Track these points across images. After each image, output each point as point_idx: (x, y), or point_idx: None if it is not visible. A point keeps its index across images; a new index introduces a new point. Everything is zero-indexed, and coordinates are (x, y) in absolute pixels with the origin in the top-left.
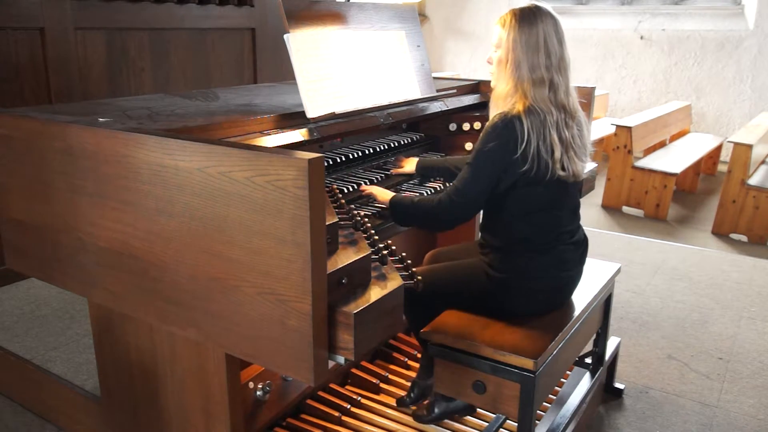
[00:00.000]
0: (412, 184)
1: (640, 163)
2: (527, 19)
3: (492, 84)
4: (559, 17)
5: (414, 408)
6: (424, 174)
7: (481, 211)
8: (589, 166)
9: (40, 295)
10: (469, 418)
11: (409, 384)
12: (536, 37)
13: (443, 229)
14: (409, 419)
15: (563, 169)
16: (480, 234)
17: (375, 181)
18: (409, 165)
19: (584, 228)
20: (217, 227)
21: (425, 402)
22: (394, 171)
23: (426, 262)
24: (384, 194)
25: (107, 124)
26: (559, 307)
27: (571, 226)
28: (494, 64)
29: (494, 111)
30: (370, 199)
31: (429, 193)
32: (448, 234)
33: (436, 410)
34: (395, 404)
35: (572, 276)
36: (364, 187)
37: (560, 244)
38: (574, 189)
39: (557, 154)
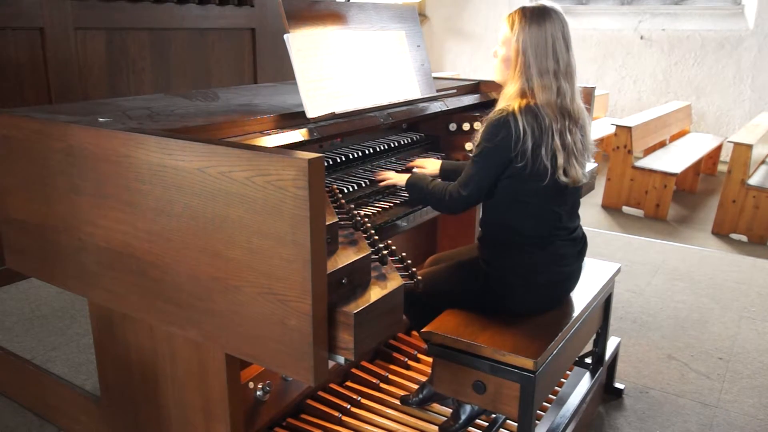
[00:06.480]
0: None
1: (640, 163)
2: (537, 20)
3: (496, 78)
4: (566, 18)
5: (438, 417)
6: (447, 177)
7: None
8: (589, 166)
9: (40, 295)
10: None
11: (408, 384)
12: (545, 41)
13: (451, 214)
14: (409, 419)
15: (565, 174)
16: (479, 229)
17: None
18: (433, 165)
19: (584, 228)
20: (217, 227)
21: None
22: (419, 171)
23: (426, 267)
24: (401, 177)
25: (107, 124)
26: (559, 303)
27: (570, 224)
28: (499, 59)
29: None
30: (370, 199)
31: None
32: (448, 235)
33: (463, 417)
34: (397, 403)
35: (571, 272)
36: (381, 175)
37: (558, 240)
38: (573, 189)
39: (560, 160)
